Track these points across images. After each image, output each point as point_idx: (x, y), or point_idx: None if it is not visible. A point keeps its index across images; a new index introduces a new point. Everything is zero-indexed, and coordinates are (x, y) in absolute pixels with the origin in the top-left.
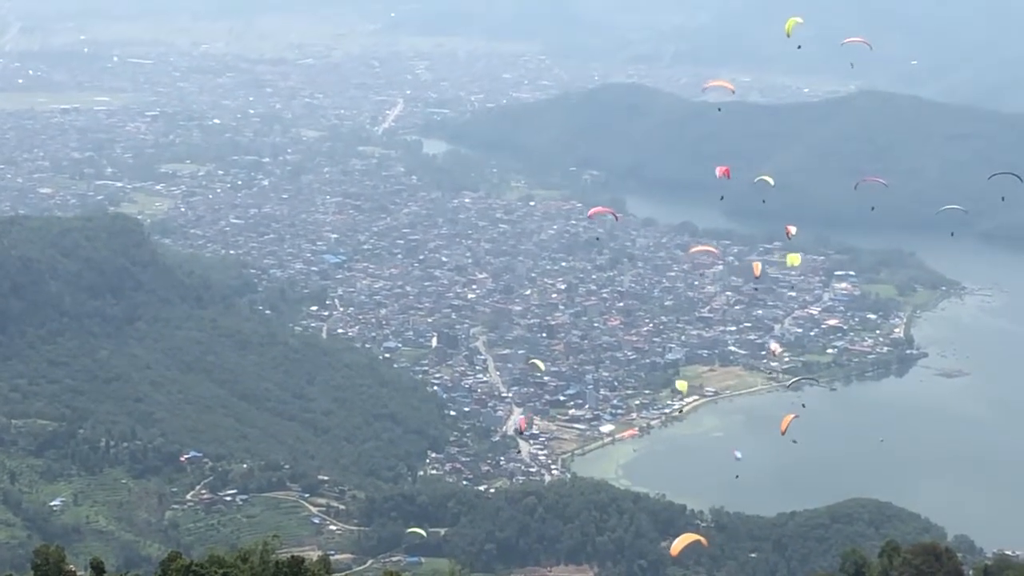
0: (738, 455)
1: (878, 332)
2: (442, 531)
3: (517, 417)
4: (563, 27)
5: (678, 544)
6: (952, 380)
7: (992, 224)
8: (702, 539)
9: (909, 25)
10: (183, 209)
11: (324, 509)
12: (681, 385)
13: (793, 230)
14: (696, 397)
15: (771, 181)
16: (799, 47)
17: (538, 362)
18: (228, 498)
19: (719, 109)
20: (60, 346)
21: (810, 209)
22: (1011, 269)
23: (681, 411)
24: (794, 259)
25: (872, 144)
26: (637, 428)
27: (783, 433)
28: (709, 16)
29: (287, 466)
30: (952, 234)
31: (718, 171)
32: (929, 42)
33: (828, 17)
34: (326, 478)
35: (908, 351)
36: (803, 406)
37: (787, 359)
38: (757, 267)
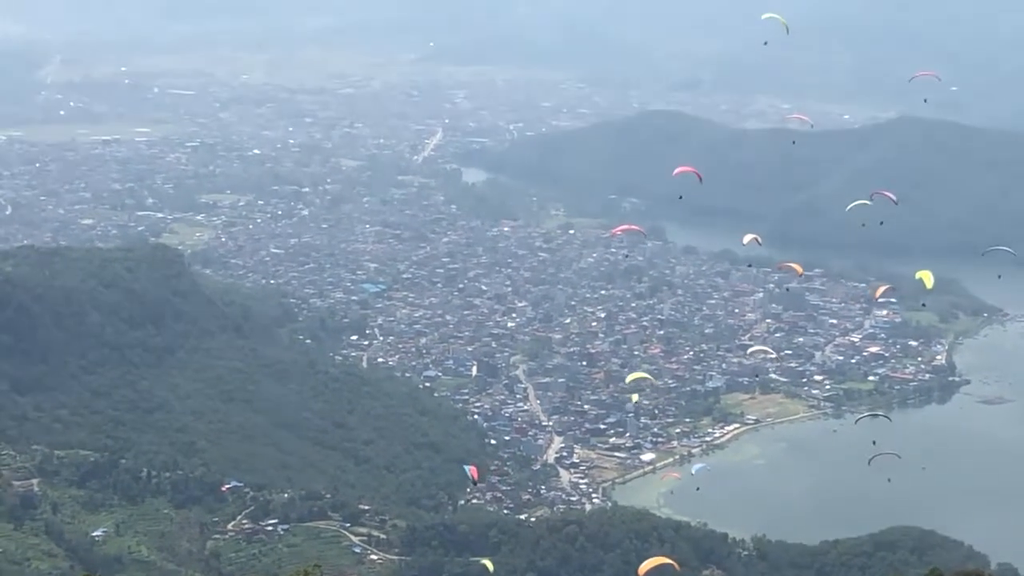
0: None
1: (920, 359)
2: (483, 560)
3: (469, 467)
4: (601, 55)
5: (645, 566)
6: (994, 407)
7: None
8: (673, 562)
9: (949, 51)
10: (223, 239)
11: (365, 538)
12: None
13: (748, 239)
14: (737, 425)
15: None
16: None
17: (634, 396)
18: (269, 528)
19: (793, 142)
20: (101, 376)
21: (851, 236)
22: None
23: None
24: (926, 276)
25: (913, 170)
26: (676, 471)
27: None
28: (746, 42)
29: (328, 495)
30: (1000, 277)
31: (677, 171)
32: (969, 68)
33: (867, 44)
34: (367, 507)
35: (950, 378)
36: (834, 432)
37: (828, 386)
38: (798, 267)
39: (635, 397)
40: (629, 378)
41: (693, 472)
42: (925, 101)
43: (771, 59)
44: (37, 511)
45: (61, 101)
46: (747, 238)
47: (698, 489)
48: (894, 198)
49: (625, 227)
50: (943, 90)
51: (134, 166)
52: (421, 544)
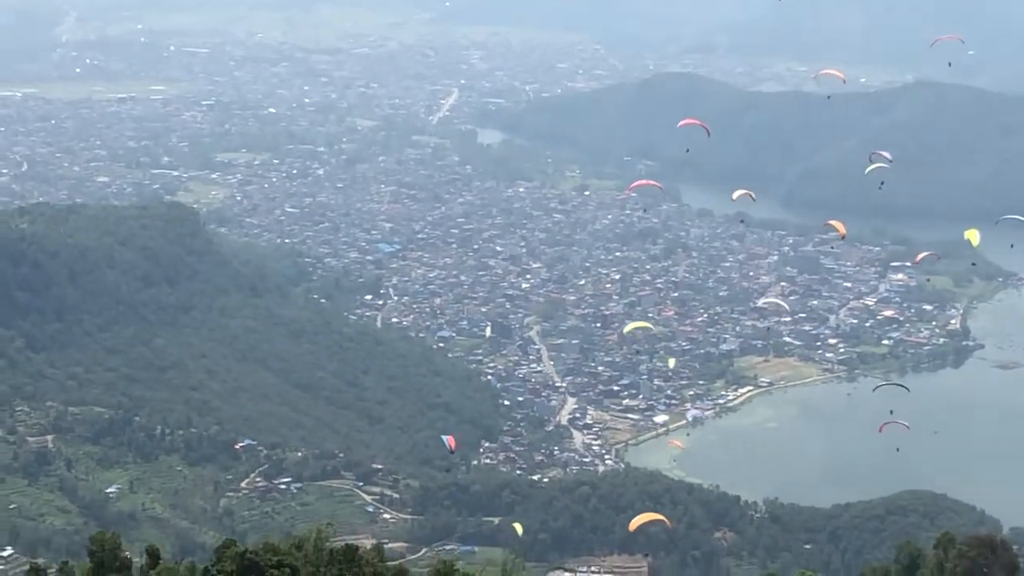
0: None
1: (934, 323)
2: (496, 520)
3: (447, 437)
4: (617, 17)
5: (636, 521)
6: (1009, 372)
7: None
8: (665, 518)
9: (965, 15)
10: (239, 198)
11: (378, 498)
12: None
13: (737, 194)
14: (750, 388)
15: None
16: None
17: (671, 360)
18: (283, 486)
19: (828, 97)
20: (116, 334)
21: (866, 200)
22: None
23: None
24: (973, 235)
25: (928, 134)
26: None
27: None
28: (762, 6)
29: (341, 455)
30: (1012, 246)
31: (682, 123)
32: (985, 32)
33: (883, 8)
34: (380, 467)
35: (964, 342)
36: (848, 395)
37: (842, 350)
38: (840, 226)
39: (672, 362)
40: (628, 327)
41: (689, 419)
42: (949, 65)
43: (787, 22)
44: (51, 467)
45: (77, 59)
46: (737, 193)
47: (688, 435)
48: (888, 156)
49: (643, 182)
50: (960, 54)
51: (149, 124)
52: (434, 504)
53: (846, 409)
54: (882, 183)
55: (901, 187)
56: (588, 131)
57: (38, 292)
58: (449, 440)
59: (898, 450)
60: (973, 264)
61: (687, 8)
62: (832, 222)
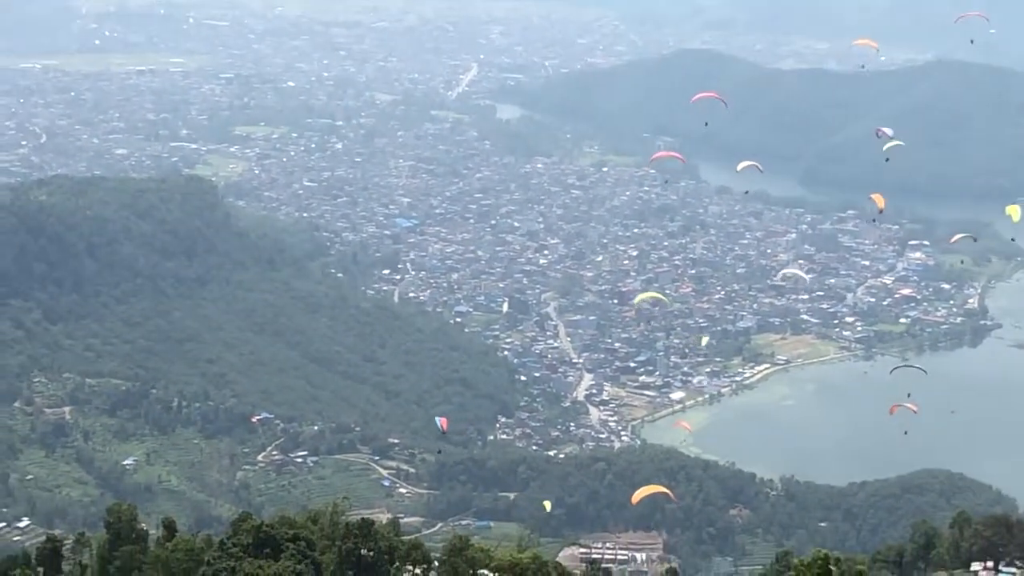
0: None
1: (952, 302)
2: (511, 495)
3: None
4: None
5: (640, 493)
6: None
7: None
8: (668, 491)
9: None
10: (257, 172)
11: (394, 472)
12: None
13: (742, 165)
14: (767, 365)
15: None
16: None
17: (703, 339)
18: (299, 459)
19: (863, 66)
20: (133, 306)
21: (885, 178)
22: None
23: None
24: (1014, 211)
25: (948, 113)
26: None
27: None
28: None
29: (358, 428)
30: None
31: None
32: (1008, 11)
33: None
34: (396, 441)
35: (982, 322)
36: (865, 373)
37: (859, 328)
38: (880, 199)
39: (704, 340)
40: (638, 298)
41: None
42: (972, 42)
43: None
44: (69, 439)
45: (96, 31)
46: (742, 165)
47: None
48: (890, 133)
49: (665, 153)
50: (983, 32)
51: (168, 97)
52: (450, 478)
53: (863, 387)
54: (887, 158)
55: (920, 166)
56: (607, 107)
57: (56, 264)
58: (442, 422)
59: (906, 433)
60: (1012, 239)
61: None
62: (873, 196)
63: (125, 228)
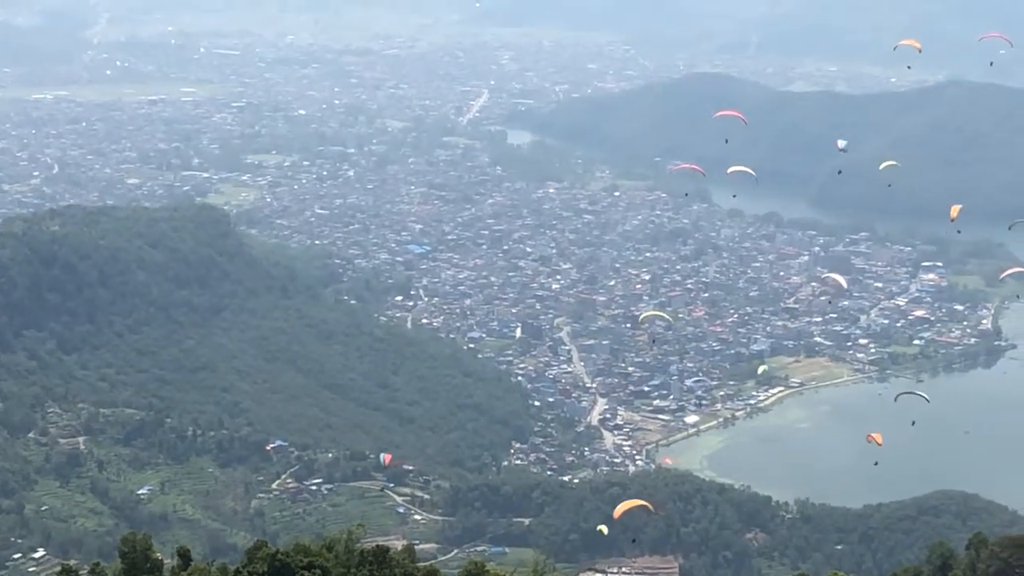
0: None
1: (965, 323)
2: (526, 521)
3: (383, 455)
4: (648, 17)
5: (621, 508)
6: None
7: None
8: (648, 504)
9: (998, 13)
10: (269, 200)
11: (409, 499)
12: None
13: (732, 169)
14: (781, 388)
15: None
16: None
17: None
18: (314, 487)
19: (908, 67)
20: (147, 336)
21: (897, 200)
22: None
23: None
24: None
25: (960, 134)
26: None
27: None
28: (793, 4)
29: (372, 456)
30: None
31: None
32: (1018, 30)
33: (917, 5)
34: (411, 468)
35: (996, 342)
36: (879, 395)
37: (873, 350)
38: (955, 209)
39: (762, 368)
40: (642, 316)
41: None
42: (991, 64)
43: (818, 21)
44: (83, 469)
45: (107, 60)
46: (732, 168)
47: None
48: (841, 145)
49: (686, 165)
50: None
51: (180, 126)
52: (464, 505)
53: (877, 409)
54: (890, 184)
55: (932, 187)
56: (618, 131)
57: (69, 294)
58: (385, 458)
59: (876, 463)
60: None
61: (718, 6)
62: (953, 207)
63: (138, 257)
